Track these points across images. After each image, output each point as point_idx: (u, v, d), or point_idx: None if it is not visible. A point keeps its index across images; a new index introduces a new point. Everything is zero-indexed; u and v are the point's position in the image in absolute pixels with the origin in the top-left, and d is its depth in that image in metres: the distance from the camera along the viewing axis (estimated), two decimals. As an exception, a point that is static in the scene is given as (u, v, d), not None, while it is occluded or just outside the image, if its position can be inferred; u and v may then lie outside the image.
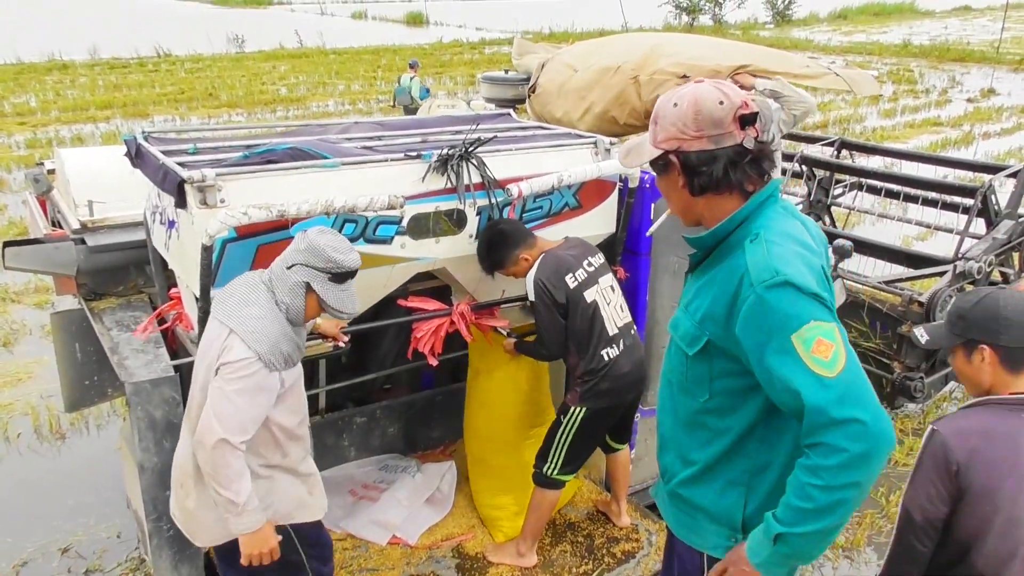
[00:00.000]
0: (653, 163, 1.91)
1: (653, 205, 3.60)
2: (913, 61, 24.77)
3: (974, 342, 2.13)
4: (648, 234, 3.15)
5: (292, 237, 2.68)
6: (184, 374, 2.95)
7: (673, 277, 3.78)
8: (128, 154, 2.99)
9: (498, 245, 3.18)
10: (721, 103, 1.79)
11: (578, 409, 3.32)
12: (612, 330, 3.28)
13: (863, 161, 7.85)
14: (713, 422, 1.96)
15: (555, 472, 3.40)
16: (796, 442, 1.81)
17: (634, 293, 3.73)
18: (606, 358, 3.27)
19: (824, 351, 1.68)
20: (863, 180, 6.25)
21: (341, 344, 3.08)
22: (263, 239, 2.67)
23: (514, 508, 3.69)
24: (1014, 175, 5.23)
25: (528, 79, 4.49)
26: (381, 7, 41.50)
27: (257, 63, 24.28)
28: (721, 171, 1.82)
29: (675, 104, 1.83)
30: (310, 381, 4.00)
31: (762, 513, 1.84)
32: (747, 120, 1.80)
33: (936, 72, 22.47)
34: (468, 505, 3.93)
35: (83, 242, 3.32)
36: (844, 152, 6.68)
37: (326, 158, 2.84)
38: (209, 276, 2.55)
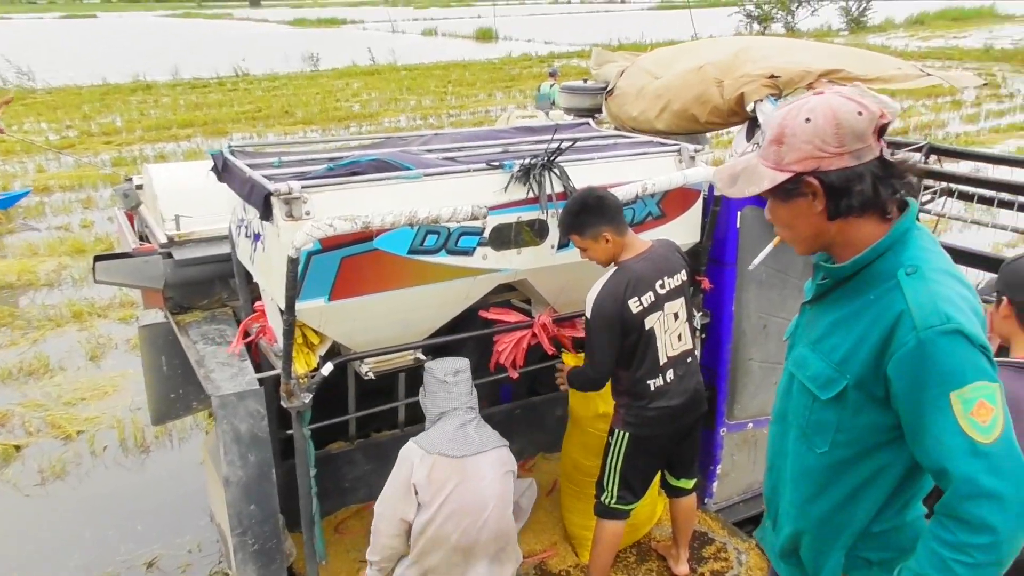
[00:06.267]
0: (773, 188, 1.69)
1: (739, 213, 3.50)
2: (995, 65, 23.92)
3: (1000, 294, 2.30)
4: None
5: (376, 249, 2.67)
6: (268, 387, 2.95)
7: (760, 287, 3.66)
8: (215, 168, 3.02)
9: (591, 210, 2.90)
10: (860, 113, 1.61)
11: (621, 433, 3.15)
12: (662, 359, 3.06)
13: (951, 167, 7.55)
14: (826, 475, 1.80)
15: (612, 501, 3.21)
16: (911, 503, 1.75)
17: (719, 304, 3.62)
18: (651, 387, 3.06)
19: (984, 415, 1.53)
20: (953, 186, 5.98)
21: (421, 357, 3.05)
22: (347, 251, 2.65)
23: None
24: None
25: (606, 88, 4.41)
26: (451, 23, 42.03)
27: (331, 80, 24.81)
28: (871, 189, 1.63)
29: (807, 119, 1.62)
30: (389, 394, 4.00)
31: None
32: (883, 131, 1.63)
33: (1020, 76, 21.65)
34: (550, 521, 3.85)
35: (170, 256, 3.37)
36: (932, 157, 6.42)
37: (409, 169, 2.81)
38: (295, 288, 2.54)
